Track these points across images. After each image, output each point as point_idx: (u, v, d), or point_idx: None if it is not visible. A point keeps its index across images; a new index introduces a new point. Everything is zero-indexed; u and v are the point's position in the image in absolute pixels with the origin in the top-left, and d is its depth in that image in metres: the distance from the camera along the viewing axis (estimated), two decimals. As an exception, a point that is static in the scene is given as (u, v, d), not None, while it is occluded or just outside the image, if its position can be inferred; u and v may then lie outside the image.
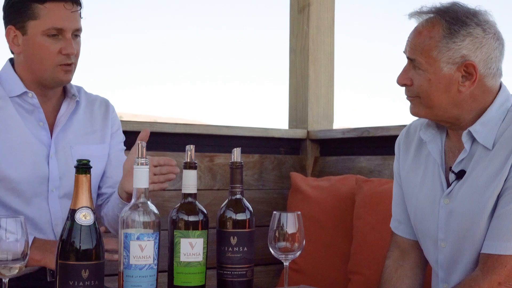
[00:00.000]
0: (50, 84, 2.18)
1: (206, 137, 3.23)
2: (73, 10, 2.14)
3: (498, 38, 1.91)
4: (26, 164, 2.13)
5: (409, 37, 1.95)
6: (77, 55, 2.18)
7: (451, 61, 1.88)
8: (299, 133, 3.54)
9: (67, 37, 2.13)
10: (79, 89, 2.34)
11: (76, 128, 2.26)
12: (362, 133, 3.30)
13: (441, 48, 1.88)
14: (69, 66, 2.16)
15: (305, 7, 3.57)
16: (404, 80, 1.95)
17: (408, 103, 1.99)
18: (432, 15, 1.91)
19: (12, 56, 2.24)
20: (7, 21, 2.18)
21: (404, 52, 1.97)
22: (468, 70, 1.88)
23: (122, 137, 2.43)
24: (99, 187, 2.34)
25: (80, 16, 2.19)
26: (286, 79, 3.69)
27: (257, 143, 3.42)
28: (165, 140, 3.11)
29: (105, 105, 2.38)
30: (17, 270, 1.56)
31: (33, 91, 2.18)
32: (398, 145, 2.19)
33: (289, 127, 3.65)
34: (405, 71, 1.96)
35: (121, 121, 2.50)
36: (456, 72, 1.89)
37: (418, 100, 1.94)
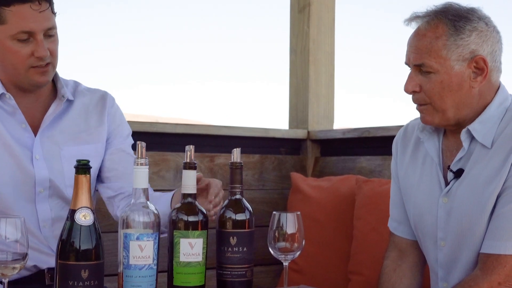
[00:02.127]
0: (27, 87, 2.13)
1: (206, 137, 3.23)
2: (41, 10, 2.04)
3: (498, 32, 1.94)
4: (7, 168, 2.09)
5: (410, 44, 1.93)
6: (53, 54, 2.10)
7: (461, 58, 1.87)
8: (300, 133, 3.54)
9: (38, 39, 2.05)
10: (77, 85, 2.29)
11: (65, 129, 2.20)
12: (362, 133, 3.30)
13: (450, 46, 1.87)
14: (44, 68, 2.09)
15: (306, 7, 3.57)
16: (412, 87, 1.93)
17: (411, 105, 1.99)
18: (431, 16, 1.91)
19: None
20: None
21: (406, 63, 1.95)
22: (478, 65, 1.88)
23: (127, 132, 2.34)
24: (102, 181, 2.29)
25: (53, 12, 2.10)
26: (287, 79, 3.69)
27: (258, 143, 3.42)
28: (165, 140, 3.11)
29: (102, 100, 2.29)
30: (17, 270, 1.56)
31: (16, 92, 2.13)
32: (396, 144, 2.18)
33: (290, 127, 3.65)
34: (411, 78, 1.94)
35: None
36: (467, 68, 1.89)
37: (430, 107, 1.93)
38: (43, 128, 2.17)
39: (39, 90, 2.17)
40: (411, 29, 1.95)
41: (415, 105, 1.97)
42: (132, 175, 2.19)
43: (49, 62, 2.10)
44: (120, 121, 2.34)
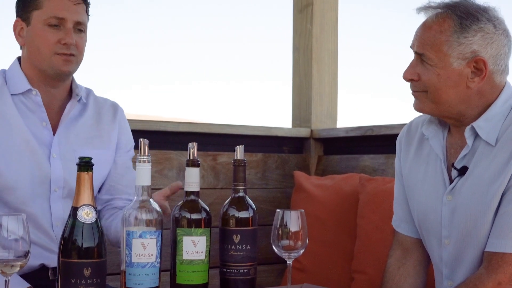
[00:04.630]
0: (51, 75, 2.15)
1: (209, 136, 3.22)
2: (76, 3, 2.15)
3: (507, 35, 1.91)
4: (26, 164, 2.11)
5: (417, 32, 1.94)
6: (79, 48, 2.16)
7: (461, 56, 1.87)
8: (303, 132, 3.53)
9: (68, 27, 2.13)
10: (89, 91, 2.33)
11: (80, 131, 2.23)
12: (365, 131, 3.29)
13: (451, 43, 1.86)
14: (69, 57, 2.14)
15: (308, 5, 3.56)
16: (411, 75, 1.94)
17: (412, 100, 1.98)
18: (441, 9, 1.90)
19: (20, 54, 2.24)
20: (16, 14, 2.20)
21: (411, 47, 1.95)
22: (478, 65, 1.87)
23: (131, 144, 2.39)
24: (99, 191, 2.32)
25: (87, 12, 2.20)
26: (290, 78, 3.69)
27: (261, 142, 3.42)
28: (168, 139, 3.10)
29: (114, 109, 2.35)
30: (18, 268, 1.55)
31: (38, 89, 2.16)
32: (400, 142, 2.18)
33: (293, 126, 3.65)
34: (412, 66, 1.94)
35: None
36: (465, 67, 1.88)
37: (425, 95, 1.93)
38: (62, 128, 2.20)
39: (59, 86, 2.20)
40: (422, 18, 1.95)
41: (411, 91, 1.97)
42: (126, 188, 2.26)
43: (73, 53, 2.15)
44: (127, 134, 2.38)
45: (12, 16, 2.24)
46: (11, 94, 2.15)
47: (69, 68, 2.15)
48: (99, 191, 2.32)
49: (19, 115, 2.14)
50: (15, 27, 2.20)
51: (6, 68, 2.24)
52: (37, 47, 2.14)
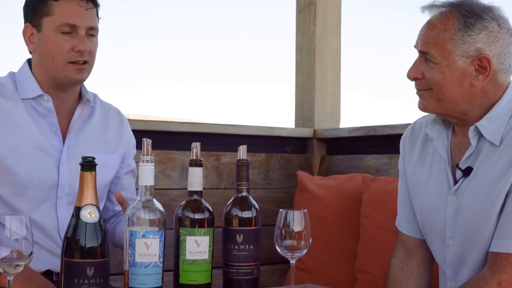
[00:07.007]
0: (63, 83, 2.15)
1: (212, 136, 3.22)
2: (87, 8, 2.13)
3: (511, 35, 1.91)
4: (36, 169, 2.11)
5: (421, 31, 1.94)
6: (91, 54, 2.15)
7: (466, 54, 1.87)
8: (306, 132, 3.53)
9: (80, 34, 2.11)
10: (95, 96, 2.32)
11: (89, 136, 2.24)
12: (368, 131, 3.29)
13: (456, 41, 1.87)
14: (82, 65, 2.13)
15: (311, 4, 3.55)
16: (415, 73, 1.94)
17: (417, 100, 1.98)
18: (446, 8, 1.91)
19: (29, 57, 2.23)
20: (25, 19, 2.18)
21: (415, 46, 1.96)
22: (482, 64, 1.87)
23: (134, 152, 2.41)
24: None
25: (97, 16, 2.18)
26: (293, 78, 3.68)
27: (264, 142, 3.42)
28: (171, 139, 3.10)
29: (119, 116, 2.36)
30: (21, 268, 1.55)
31: (49, 93, 2.15)
32: (403, 142, 2.17)
33: (296, 126, 3.64)
34: (415, 64, 1.95)
35: (127, 119, 2.47)
36: (470, 65, 1.87)
37: (429, 93, 1.93)
38: (72, 133, 2.19)
39: (69, 91, 2.19)
40: (426, 17, 1.95)
41: (416, 91, 1.97)
42: (131, 195, 2.28)
43: (86, 60, 2.14)
44: (133, 143, 2.40)
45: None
46: (22, 99, 2.14)
47: (82, 76, 2.15)
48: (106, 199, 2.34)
49: (31, 119, 2.13)
50: (25, 33, 2.17)
51: (9, 69, 2.24)
52: (51, 55, 2.12)
